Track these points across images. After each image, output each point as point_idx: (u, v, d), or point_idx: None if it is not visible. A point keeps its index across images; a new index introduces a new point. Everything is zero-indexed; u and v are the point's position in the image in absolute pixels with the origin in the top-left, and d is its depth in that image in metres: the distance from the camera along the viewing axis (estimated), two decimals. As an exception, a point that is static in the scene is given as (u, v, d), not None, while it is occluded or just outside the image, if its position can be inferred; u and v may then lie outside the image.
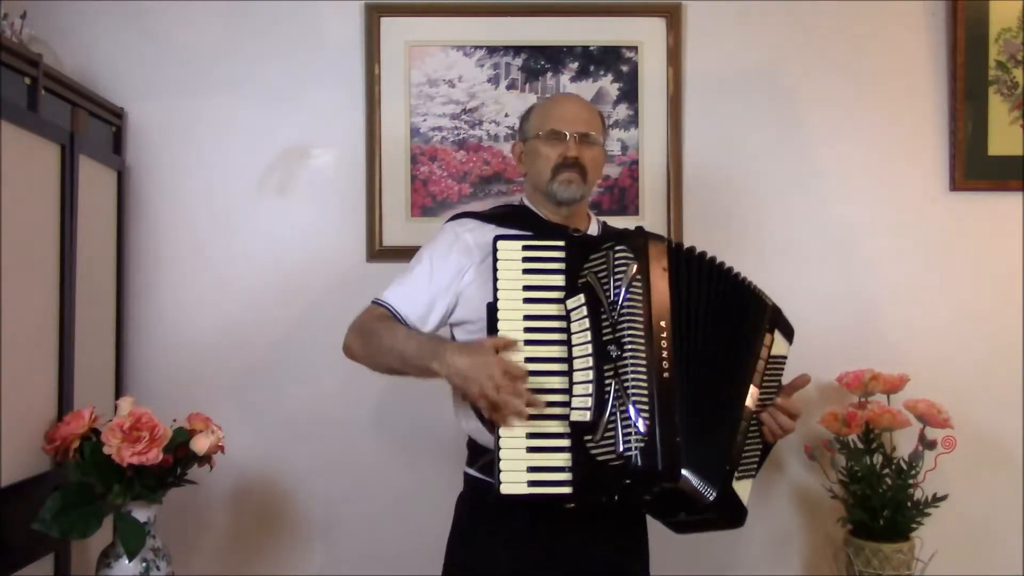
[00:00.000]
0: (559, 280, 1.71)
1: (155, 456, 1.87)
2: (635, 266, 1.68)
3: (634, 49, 2.59)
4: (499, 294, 1.70)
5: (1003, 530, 2.59)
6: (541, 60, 2.58)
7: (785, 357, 1.86)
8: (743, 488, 1.75)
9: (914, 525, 2.33)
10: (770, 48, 2.61)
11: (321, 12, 2.55)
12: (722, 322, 1.77)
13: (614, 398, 1.62)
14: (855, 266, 2.61)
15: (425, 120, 2.56)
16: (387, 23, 2.55)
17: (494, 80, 2.57)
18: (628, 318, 1.65)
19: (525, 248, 1.73)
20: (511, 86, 2.57)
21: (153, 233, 2.52)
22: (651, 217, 2.57)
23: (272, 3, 2.54)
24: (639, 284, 1.68)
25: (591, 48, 2.59)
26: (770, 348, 1.81)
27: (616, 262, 1.69)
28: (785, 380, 1.85)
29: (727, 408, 1.75)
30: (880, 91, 2.61)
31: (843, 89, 2.61)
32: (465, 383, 1.66)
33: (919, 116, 2.62)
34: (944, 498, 2.34)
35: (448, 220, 1.94)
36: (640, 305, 1.67)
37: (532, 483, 1.63)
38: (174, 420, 1.99)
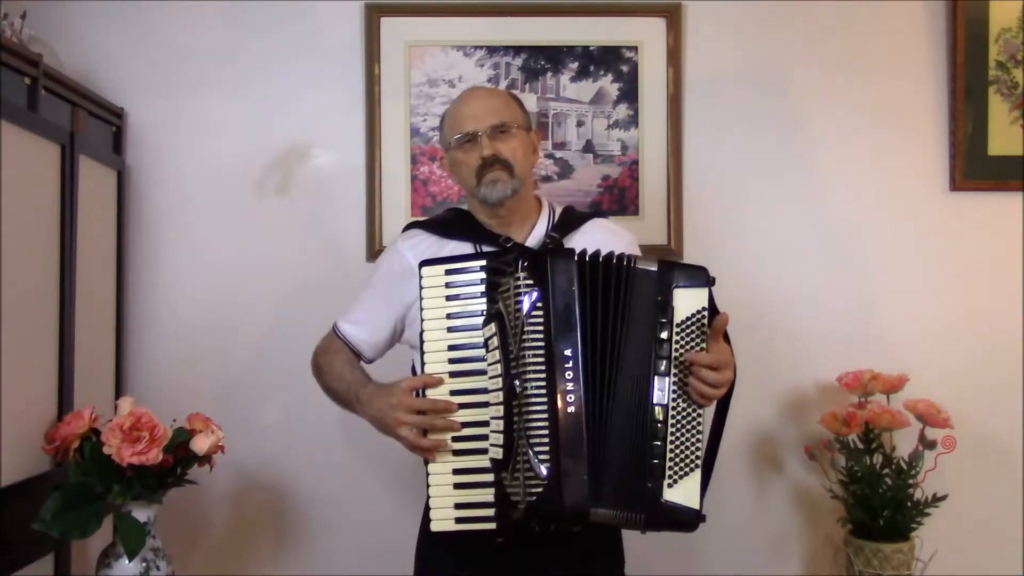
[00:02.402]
0: (483, 305, 1.63)
1: (155, 456, 1.86)
2: (535, 293, 1.57)
3: (634, 49, 2.59)
4: (424, 324, 1.67)
5: (1003, 530, 2.59)
6: (541, 60, 2.58)
7: (703, 309, 1.62)
8: (684, 489, 1.59)
9: (914, 525, 2.33)
10: (770, 48, 2.61)
11: (321, 12, 2.55)
12: (630, 328, 1.61)
13: (518, 436, 1.56)
14: (855, 266, 2.61)
15: (425, 120, 2.56)
16: (387, 23, 2.55)
17: (494, 80, 2.57)
18: (529, 350, 1.55)
19: (448, 272, 1.66)
20: (511, 86, 2.56)
21: (153, 233, 2.52)
22: (651, 217, 2.57)
23: (272, 3, 2.54)
24: (540, 312, 1.56)
25: (591, 48, 2.59)
26: (673, 318, 1.61)
27: (517, 289, 1.58)
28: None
29: (644, 423, 1.60)
30: (880, 91, 2.61)
31: (843, 89, 2.61)
32: (381, 427, 1.72)
33: (919, 116, 2.62)
34: (944, 498, 2.33)
35: (402, 231, 1.92)
36: (541, 335, 1.56)
37: (459, 519, 1.64)
38: (174, 420, 1.99)
